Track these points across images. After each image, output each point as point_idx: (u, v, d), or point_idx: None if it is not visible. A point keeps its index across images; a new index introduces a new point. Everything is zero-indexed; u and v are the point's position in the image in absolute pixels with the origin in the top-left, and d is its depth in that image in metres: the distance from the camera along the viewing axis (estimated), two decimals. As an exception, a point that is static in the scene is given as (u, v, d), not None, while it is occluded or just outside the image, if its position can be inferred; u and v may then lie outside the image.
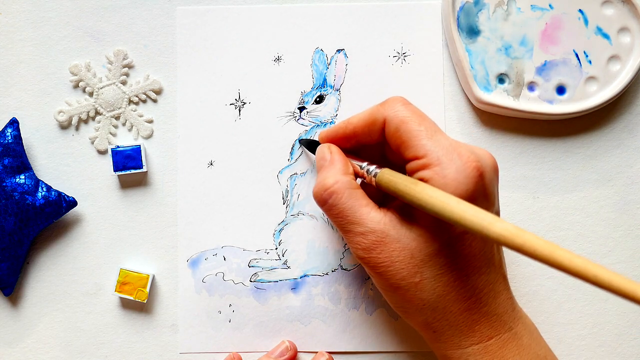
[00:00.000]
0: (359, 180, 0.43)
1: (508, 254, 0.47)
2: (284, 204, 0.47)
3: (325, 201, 0.40)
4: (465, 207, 0.34)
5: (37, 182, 0.46)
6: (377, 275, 0.39)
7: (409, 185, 0.37)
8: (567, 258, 0.31)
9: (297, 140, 0.47)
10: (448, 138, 0.39)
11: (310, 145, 0.46)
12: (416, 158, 0.38)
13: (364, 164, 0.41)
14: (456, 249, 0.38)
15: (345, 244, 0.47)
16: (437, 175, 0.37)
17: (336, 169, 0.41)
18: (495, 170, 0.39)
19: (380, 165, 0.41)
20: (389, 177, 0.39)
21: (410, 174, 0.39)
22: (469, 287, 0.38)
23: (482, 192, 0.38)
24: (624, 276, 0.30)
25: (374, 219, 0.39)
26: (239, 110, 0.48)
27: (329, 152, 0.42)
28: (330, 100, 0.48)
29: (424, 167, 0.38)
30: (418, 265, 0.38)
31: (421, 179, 0.38)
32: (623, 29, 0.46)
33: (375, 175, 0.40)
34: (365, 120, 0.41)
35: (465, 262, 0.38)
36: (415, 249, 0.38)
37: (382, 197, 0.43)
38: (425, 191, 0.36)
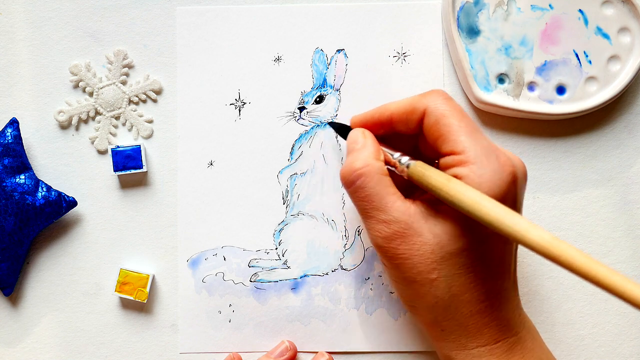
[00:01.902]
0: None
1: (508, 254, 0.47)
2: (284, 204, 0.47)
3: (352, 183, 0.39)
4: (501, 210, 0.34)
5: (37, 182, 0.46)
6: (394, 267, 0.39)
7: (443, 181, 0.37)
8: (605, 274, 0.31)
9: (327, 123, 0.47)
10: (487, 139, 0.38)
11: (341, 129, 0.45)
12: (453, 153, 0.38)
13: (397, 154, 0.41)
14: (477, 251, 0.38)
15: (345, 244, 0.47)
16: (474, 173, 0.37)
17: (367, 152, 0.40)
18: (526, 177, 0.39)
19: (413, 157, 0.40)
20: (423, 170, 0.38)
21: (444, 169, 0.38)
22: (484, 290, 0.38)
23: (512, 198, 0.37)
24: None
25: (400, 208, 0.38)
26: (239, 110, 0.48)
27: (363, 137, 0.41)
28: (330, 100, 0.48)
29: (460, 164, 0.37)
30: (437, 262, 0.37)
31: (455, 176, 0.37)
32: (623, 29, 0.46)
33: (408, 167, 0.39)
34: (404, 108, 0.40)
35: (484, 266, 0.38)
36: (437, 245, 0.37)
37: (409, 189, 0.42)
38: (461, 189, 0.36)
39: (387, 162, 0.41)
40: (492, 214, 0.34)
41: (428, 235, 0.38)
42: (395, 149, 0.41)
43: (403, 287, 0.39)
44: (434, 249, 0.37)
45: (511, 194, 0.37)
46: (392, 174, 0.41)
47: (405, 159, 0.40)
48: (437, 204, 0.39)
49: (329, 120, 0.47)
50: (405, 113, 0.40)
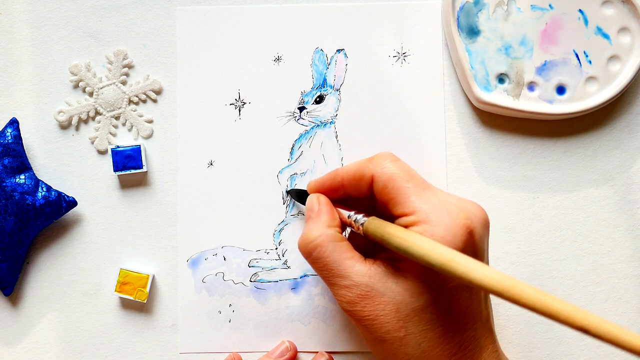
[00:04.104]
0: (348, 231, 0.43)
1: (503, 258, 0.47)
2: (283, 204, 0.47)
3: (309, 254, 0.40)
4: (453, 255, 0.34)
5: (37, 182, 0.46)
6: (363, 328, 0.39)
7: (395, 233, 0.37)
8: (555, 305, 0.31)
9: (286, 192, 0.47)
10: (437, 193, 0.39)
11: (300, 195, 0.46)
12: (404, 215, 0.38)
13: (352, 213, 0.41)
14: (443, 305, 0.38)
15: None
16: (426, 232, 0.37)
17: (321, 221, 0.41)
18: (486, 225, 0.39)
19: (367, 214, 0.40)
20: (376, 224, 0.39)
21: None
22: (454, 343, 0.38)
23: (472, 250, 0.37)
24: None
25: (359, 272, 0.39)
26: (239, 110, 0.48)
27: (317, 203, 0.42)
28: (330, 100, 0.48)
29: (412, 224, 0.37)
30: (403, 320, 0.37)
31: None
32: (623, 29, 0.46)
33: (362, 224, 0.40)
34: (352, 174, 0.41)
35: (452, 318, 0.38)
36: (401, 303, 0.38)
37: (372, 247, 0.42)
38: (413, 238, 0.36)
39: (345, 223, 0.41)
40: (443, 258, 0.34)
41: (391, 294, 0.38)
42: (352, 209, 0.42)
43: (375, 346, 0.39)
44: (398, 307, 0.38)
45: (469, 247, 0.37)
46: (355, 235, 0.42)
47: (360, 217, 0.40)
48: (397, 262, 0.39)
49: (288, 189, 0.47)
50: (354, 179, 0.41)
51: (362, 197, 0.42)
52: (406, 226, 0.38)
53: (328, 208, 0.42)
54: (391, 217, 0.39)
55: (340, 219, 0.42)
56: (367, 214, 0.40)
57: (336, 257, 0.39)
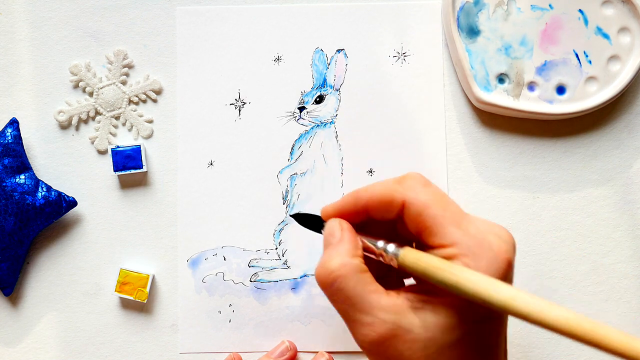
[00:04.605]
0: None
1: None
2: (284, 204, 0.47)
3: (329, 285, 0.36)
4: (514, 293, 0.31)
5: (37, 182, 0.46)
6: None
7: (442, 266, 0.34)
8: None
9: (290, 216, 0.45)
10: (474, 222, 0.36)
11: (308, 220, 0.40)
12: (442, 246, 0.35)
13: (381, 243, 0.37)
14: (472, 339, 0.35)
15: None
16: (469, 267, 0.34)
17: (344, 249, 0.36)
18: (515, 251, 0.36)
19: (399, 244, 0.36)
20: (415, 256, 0.35)
21: None
22: None
23: (508, 280, 0.35)
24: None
25: (384, 307, 0.35)
26: (239, 110, 0.48)
27: (340, 229, 0.37)
28: (330, 100, 0.48)
29: (451, 257, 0.34)
30: (430, 358, 0.34)
31: None
32: (623, 29, 0.46)
33: (396, 256, 0.36)
34: (379, 198, 0.37)
35: (477, 353, 0.35)
36: (429, 340, 0.34)
37: (385, 273, 0.39)
38: (464, 274, 0.33)
39: (370, 251, 0.37)
40: (504, 296, 0.31)
41: (419, 330, 0.34)
42: (378, 237, 0.37)
43: None
44: (426, 345, 0.34)
45: (508, 278, 0.35)
46: (368, 261, 0.37)
47: (391, 248, 0.36)
48: (427, 294, 0.35)
49: (293, 213, 0.45)
50: (382, 204, 0.37)
51: (384, 220, 0.38)
52: (445, 258, 0.35)
53: (351, 235, 0.37)
54: (422, 245, 0.36)
55: (365, 248, 0.37)
56: (399, 244, 0.37)
57: (359, 291, 0.35)
